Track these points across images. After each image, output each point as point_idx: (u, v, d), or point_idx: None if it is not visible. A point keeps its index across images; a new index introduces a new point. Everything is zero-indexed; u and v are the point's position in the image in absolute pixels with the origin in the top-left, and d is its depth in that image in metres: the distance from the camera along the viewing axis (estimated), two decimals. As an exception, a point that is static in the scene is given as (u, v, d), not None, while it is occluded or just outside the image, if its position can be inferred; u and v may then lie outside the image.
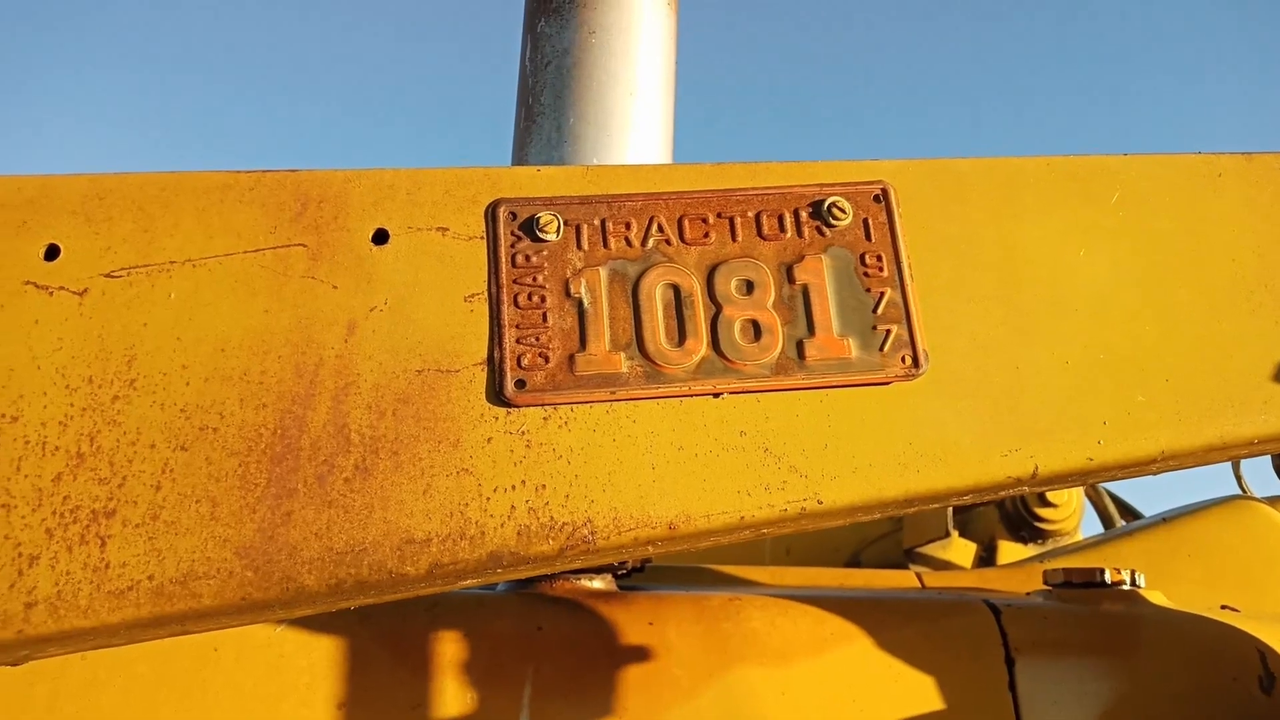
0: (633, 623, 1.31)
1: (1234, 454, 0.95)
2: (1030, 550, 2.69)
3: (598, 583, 1.43)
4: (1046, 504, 2.72)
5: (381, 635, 1.25)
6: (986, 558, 2.75)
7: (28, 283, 0.85)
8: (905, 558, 2.70)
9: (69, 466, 0.80)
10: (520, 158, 1.43)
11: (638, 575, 1.52)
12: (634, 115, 1.42)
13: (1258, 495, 2.16)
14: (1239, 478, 2.40)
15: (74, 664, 1.19)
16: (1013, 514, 2.78)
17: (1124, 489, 3.10)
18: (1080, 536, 2.76)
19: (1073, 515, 2.75)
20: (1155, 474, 0.96)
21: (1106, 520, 2.88)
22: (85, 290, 0.86)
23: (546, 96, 1.43)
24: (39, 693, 1.17)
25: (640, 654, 1.27)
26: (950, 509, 2.64)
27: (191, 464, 0.81)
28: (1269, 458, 1.36)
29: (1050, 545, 2.69)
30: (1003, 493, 0.90)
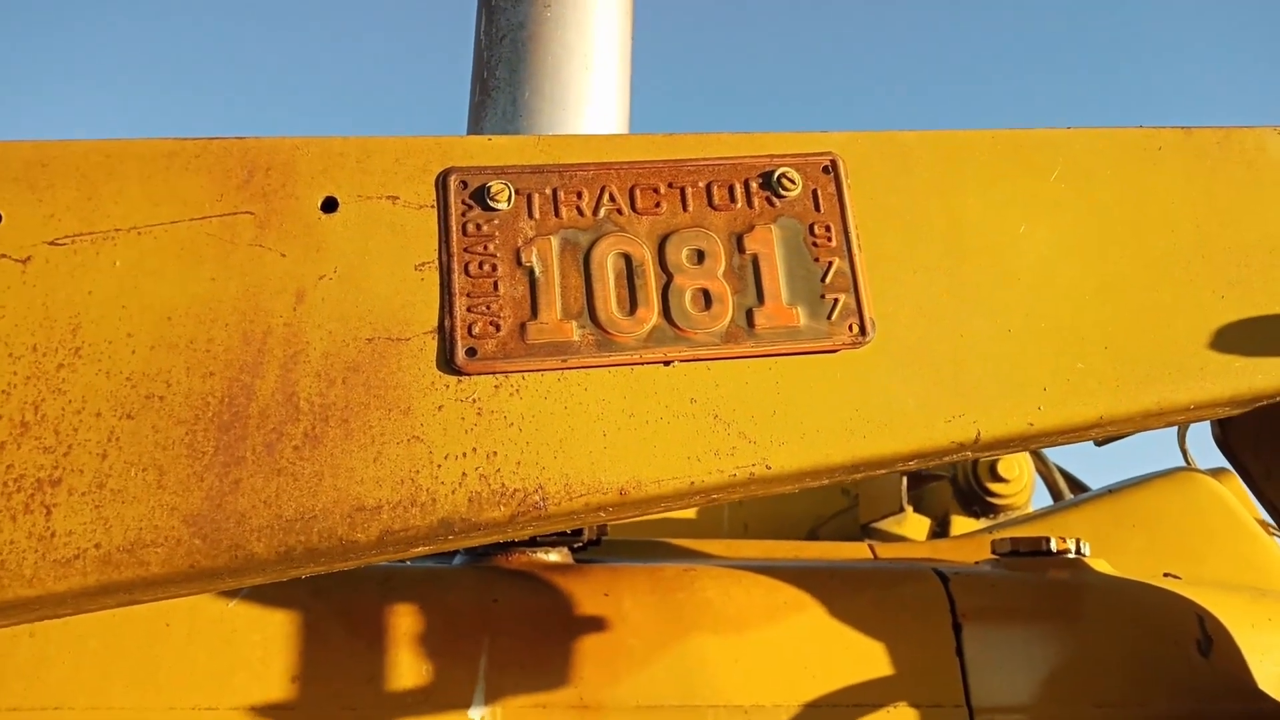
0: (588, 594, 1.32)
1: (1171, 419, 0.98)
2: (983, 524, 2.74)
3: (554, 555, 1.43)
4: (998, 479, 2.77)
5: (336, 609, 1.25)
6: (940, 532, 2.80)
7: (-32, 250, 0.84)
8: (861, 533, 2.74)
9: (13, 435, 0.80)
10: (475, 132, 1.42)
11: (594, 549, 1.53)
12: (590, 89, 1.42)
13: (1201, 467, 2.21)
14: (1184, 450, 2.45)
15: (23, 641, 1.18)
16: (965, 489, 2.82)
17: (1075, 462, 3.16)
18: (1031, 510, 2.81)
19: (1024, 490, 2.81)
20: (1095, 439, 0.99)
21: (1056, 494, 2.94)
22: (28, 258, 0.85)
23: (502, 70, 1.42)
24: (-13, 670, 1.15)
25: (596, 624, 1.28)
26: (904, 485, 2.68)
27: (138, 432, 0.81)
28: (1209, 431, 1.40)
29: (1002, 519, 2.74)
30: (947, 458, 0.92)
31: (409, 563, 1.38)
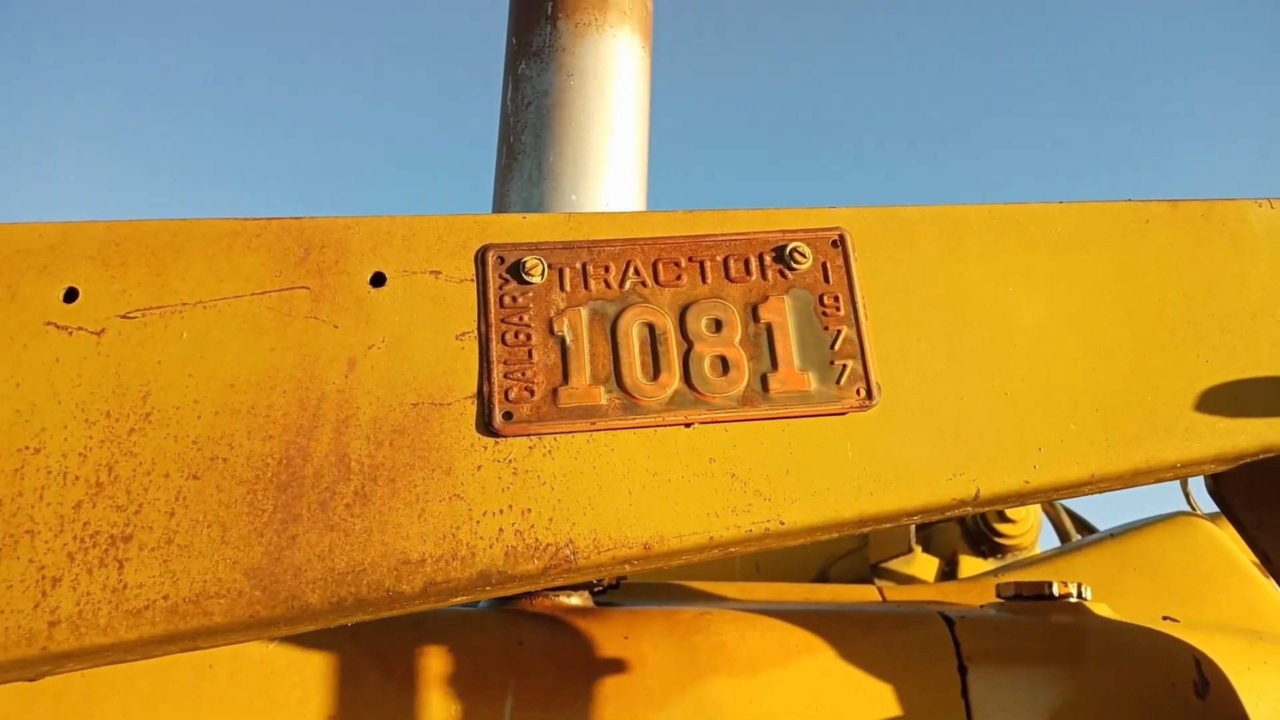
0: (609, 637, 1.37)
1: (1160, 477, 1.04)
2: (990, 564, 2.78)
3: (575, 599, 1.49)
4: (1005, 520, 2.82)
5: (370, 651, 1.31)
6: (948, 572, 2.84)
7: (49, 323, 0.92)
8: (871, 573, 2.78)
9: (89, 495, 0.87)
10: (501, 194, 1.50)
11: (613, 592, 1.59)
12: (611, 153, 1.49)
13: (1203, 511, 2.26)
14: (1187, 495, 2.50)
15: (75, 680, 1.23)
16: (973, 530, 2.87)
17: (1082, 502, 3.20)
18: (1038, 551, 2.85)
19: (1030, 531, 2.85)
20: (1089, 495, 1.05)
21: (1063, 535, 2.98)
22: (102, 330, 0.92)
23: (527, 136, 1.51)
24: (41, 709, 1.21)
25: (616, 666, 1.34)
26: (913, 526, 2.73)
27: (203, 492, 0.88)
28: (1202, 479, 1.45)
29: (1009, 560, 2.78)
30: (949, 513, 0.98)
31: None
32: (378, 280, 0.97)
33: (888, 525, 0.99)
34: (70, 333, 0.92)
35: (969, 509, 0.98)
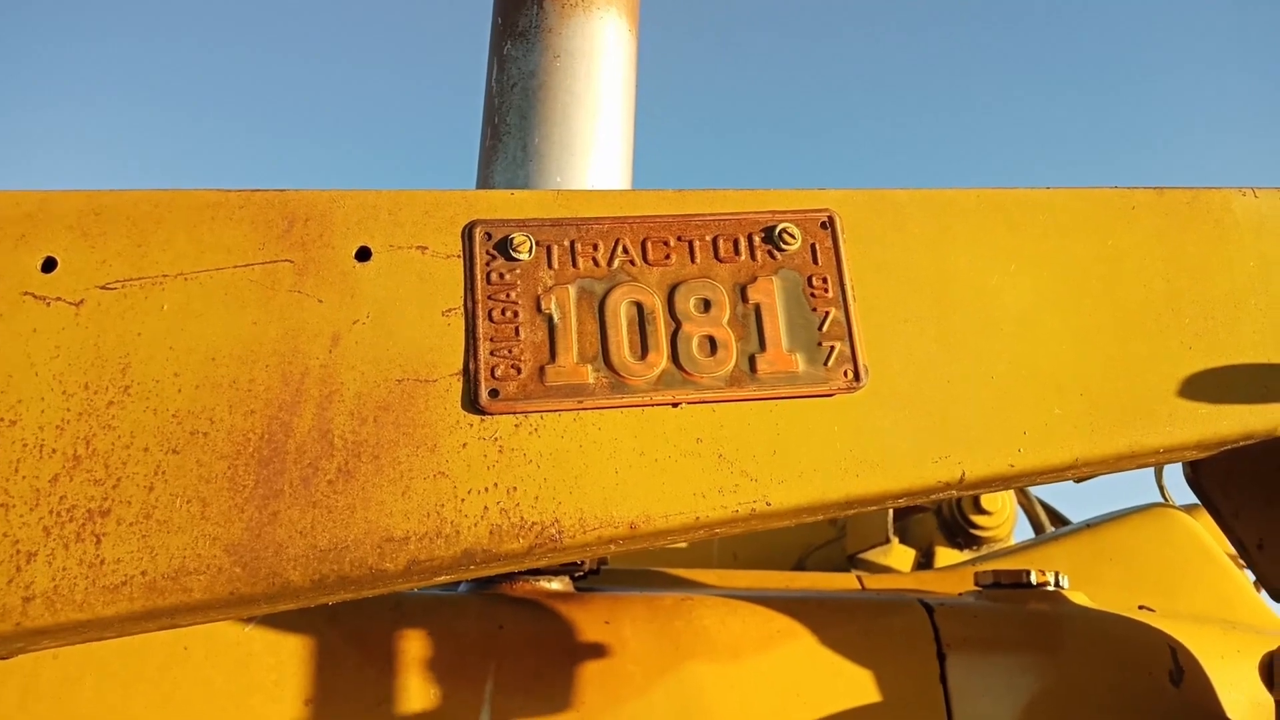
0: (590, 622, 1.37)
1: (1143, 462, 1.04)
2: (966, 555, 2.80)
3: (556, 584, 1.49)
4: (981, 511, 2.84)
5: (348, 634, 1.30)
6: (925, 563, 2.86)
7: (26, 293, 0.90)
8: (848, 563, 2.80)
9: (65, 468, 0.85)
10: (486, 175, 1.49)
11: (594, 577, 1.58)
12: (596, 135, 1.48)
13: (1178, 503, 2.29)
14: (1161, 487, 2.53)
15: (46, 661, 1.22)
16: (949, 521, 2.89)
17: (1056, 495, 3.23)
18: (1013, 542, 2.88)
19: (1006, 522, 2.87)
20: (1072, 480, 1.06)
21: (1037, 526, 3.00)
22: (81, 301, 0.90)
23: (512, 117, 1.49)
24: (10, 690, 1.19)
25: (596, 651, 1.33)
26: (890, 516, 2.74)
27: (183, 466, 0.86)
28: (1180, 468, 1.47)
29: (985, 550, 2.81)
30: (934, 496, 0.98)
31: (417, 590, 1.43)
32: (363, 255, 0.96)
33: (873, 508, 0.99)
34: (48, 303, 0.90)
35: (954, 491, 0.98)
